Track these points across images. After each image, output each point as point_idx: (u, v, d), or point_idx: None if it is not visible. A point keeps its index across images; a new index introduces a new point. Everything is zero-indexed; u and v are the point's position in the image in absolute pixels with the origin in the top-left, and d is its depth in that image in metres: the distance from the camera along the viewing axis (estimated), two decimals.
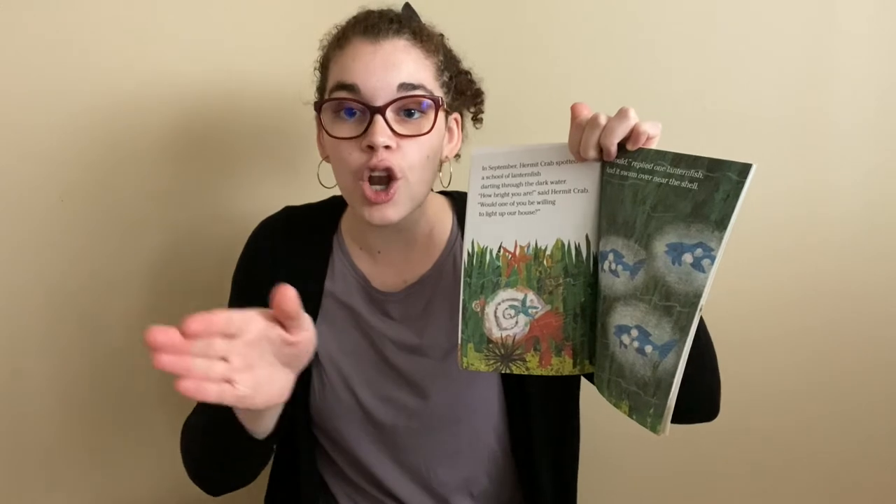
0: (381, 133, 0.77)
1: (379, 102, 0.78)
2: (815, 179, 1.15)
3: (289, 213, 0.96)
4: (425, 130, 0.80)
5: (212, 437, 0.77)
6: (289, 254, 0.91)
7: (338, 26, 0.86)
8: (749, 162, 0.57)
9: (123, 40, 1.05)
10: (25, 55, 1.01)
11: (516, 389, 0.89)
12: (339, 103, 0.80)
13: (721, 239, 0.57)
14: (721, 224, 0.58)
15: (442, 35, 0.89)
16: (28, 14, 1.00)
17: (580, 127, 0.69)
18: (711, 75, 1.14)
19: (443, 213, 0.94)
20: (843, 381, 1.20)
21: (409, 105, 0.80)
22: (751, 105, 1.14)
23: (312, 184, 0.92)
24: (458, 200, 0.95)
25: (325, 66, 0.86)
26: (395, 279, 0.91)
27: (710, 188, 0.59)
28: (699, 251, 0.59)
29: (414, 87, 0.79)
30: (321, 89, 0.87)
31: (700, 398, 0.78)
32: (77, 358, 1.10)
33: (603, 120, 0.67)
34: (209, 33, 1.09)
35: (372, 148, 0.78)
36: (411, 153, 0.80)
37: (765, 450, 1.24)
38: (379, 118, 0.77)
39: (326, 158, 0.88)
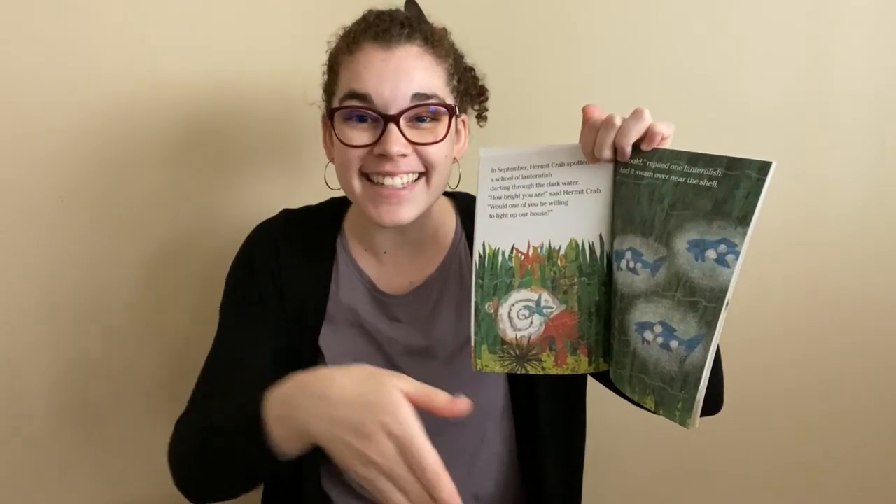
0: (396, 142, 0.79)
1: (392, 111, 0.80)
2: (814, 177, 1.19)
3: (288, 216, 0.97)
4: (440, 137, 0.83)
5: (230, 450, 0.72)
6: (291, 257, 0.92)
7: (344, 27, 0.87)
8: (768, 160, 0.60)
9: (124, 41, 1.05)
10: (27, 57, 1.00)
11: (523, 390, 0.91)
12: (351, 111, 0.82)
13: (745, 234, 0.61)
14: (744, 220, 0.61)
15: (445, 29, 0.90)
16: (30, 16, 1.00)
17: (594, 128, 0.71)
18: (711, 74, 1.18)
19: (447, 215, 0.96)
20: (843, 378, 1.24)
21: (421, 113, 0.82)
22: (751, 104, 1.18)
23: (315, 184, 0.94)
24: (461, 201, 0.97)
25: (333, 69, 0.86)
26: (400, 281, 0.92)
27: (731, 186, 0.62)
28: (723, 247, 0.62)
29: (427, 96, 0.81)
30: (328, 91, 0.88)
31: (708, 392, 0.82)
32: (77, 357, 1.10)
33: (618, 121, 0.70)
34: (211, 34, 1.10)
35: (383, 156, 0.80)
36: (429, 158, 0.82)
37: (771, 447, 1.27)
38: (393, 127, 0.79)
39: (332, 160, 0.89)
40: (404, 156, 0.80)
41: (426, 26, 0.86)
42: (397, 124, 0.79)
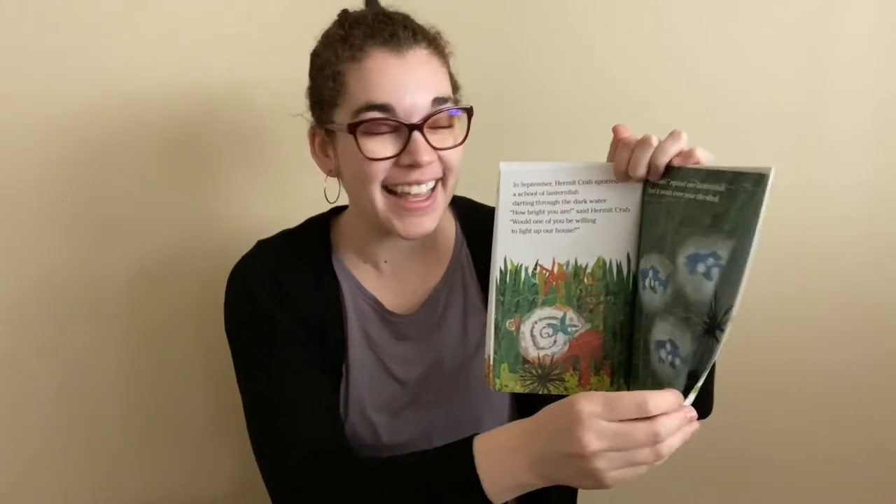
0: (425, 151, 0.79)
1: (415, 119, 0.79)
2: (817, 180, 1.19)
3: (272, 244, 0.93)
4: (460, 140, 0.83)
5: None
6: (297, 286, 0.89)
7: (327, 31, 0.85)
8: (765, 170, 0.57)
9: (122, 43, 1.08)
10: (25, 57, 1.04)
11: (527, 400, 0.86)
12: (372, 124, 0.79)
13: (730, 246, 0.58)
14: (732, 233, 0.59)
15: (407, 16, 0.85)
16: (27, 16, 1.03)
17: (628, 146, 0.71)
18: (713, 76, 1.17)
19: (445, 220, 0.95)
20: (842, 380, 1.28)
21: (441, 118, 0.81)
22: (753, 106, 1.18)
23: (305, 189, 0.95)
24: (460, 206, 0.97)
25: (336, 79, 0.81)
26: (404, 292, 0.92)
27: (729, 200, 0.61)
28: (710, 260, 0.61)
29: (445, 100, 0.81)
30: (329, 102, 0.83)
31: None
32: (77, 357, 1.14)
33: (655, 141, 0.70)
34: (210, 35, 1.12)
35: (412, 166, 0.80)
36: (449, 162, 0.83)
37: (769, 448, 1.30)
38: (418, 135, 0.79)
39: (330, 173, 0.88)
40: (431, 163, 0.80)
41: (420, 26, 0.83)
42: (422, 132, 0.79)
